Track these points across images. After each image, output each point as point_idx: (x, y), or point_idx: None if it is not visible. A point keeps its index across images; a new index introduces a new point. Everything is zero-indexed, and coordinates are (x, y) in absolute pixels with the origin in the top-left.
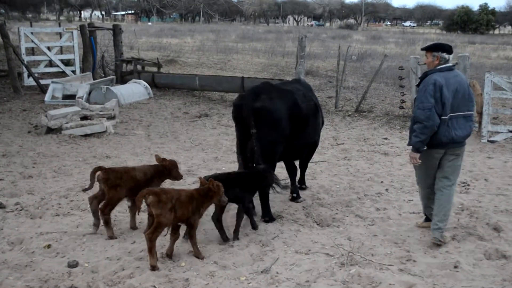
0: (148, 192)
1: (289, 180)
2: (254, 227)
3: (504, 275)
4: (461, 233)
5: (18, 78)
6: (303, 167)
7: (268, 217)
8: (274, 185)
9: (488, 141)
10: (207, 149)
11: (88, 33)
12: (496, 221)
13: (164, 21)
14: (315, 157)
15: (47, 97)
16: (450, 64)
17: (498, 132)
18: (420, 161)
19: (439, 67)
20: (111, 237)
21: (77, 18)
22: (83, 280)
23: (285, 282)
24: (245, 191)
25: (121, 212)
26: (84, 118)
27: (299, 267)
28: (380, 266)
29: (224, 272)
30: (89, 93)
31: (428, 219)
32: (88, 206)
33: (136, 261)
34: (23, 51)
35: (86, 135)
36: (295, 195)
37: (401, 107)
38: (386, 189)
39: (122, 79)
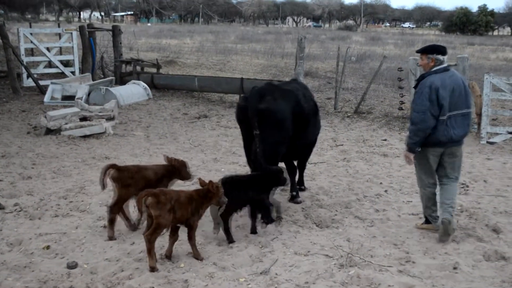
0: (147, 193)
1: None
2: (254, 231)
3: (503, 276)
4: (460, 235)
5: (17, 79)
6: (302, 168)
7: (268, 217)
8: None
9: (487, 142)
10: (206, 150)
11: (87, 34)
12: (495, 223)
13: (164, 22)
14: (314, 158)
15: (46, 98)
16: (445, 65)
17: (497, 134)
18: (414, 160)
19: (435, 68)
20: (111, 237)
21: (76, 19)
22: (82, 281)
23: (284, 284)
24: (260, 192)
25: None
26: (83, 119)
27: (298, 269)
28: (379, 268)
29: (223, 273)
30: (88, 94)
31: (427, 221)
32: (87, 207)
33: (135, 262)
34: (22, 52)
35: (85, 136)
36: (294, 193)
37: (400, 109)
38: (385, 191)
39: (121, 80)
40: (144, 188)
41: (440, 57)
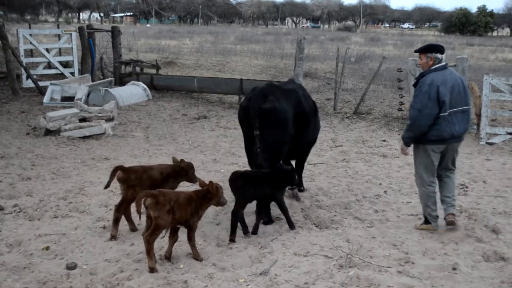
0: (146, 194)
1: None
2: (292, 226)
3: (503, 277)
4: (460, 235)
5: (16, 80)
6: (301, 168)
7: (268, 218)
8: None
9: (487, 143)
10: (206, 151)
11: (86, 35)
12: (495, 223)
13: (163, 23)
14: (314, 159)
15: (45, 99)
16: (443, 63)
17: (496, 134)
18: (415, 158)
19: (434, 67)
20: (114, 236)
21: (75, 20)
22: (81, 282)
23: (283, 284)
24: (275, 190)
25: None
26: (83, 120)
27: (298, 269)
28: (379, 268)
29: (222, 274)
30: (88, 95)
31: (427, 221)
32: (86, 208)
33: (135, 263)
34: (21, 52)
35: (84, 137)
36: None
37: (400, 109)
38: (385, 191)
39: (121, 81)
40: (150, 188)
41: (439, 55)
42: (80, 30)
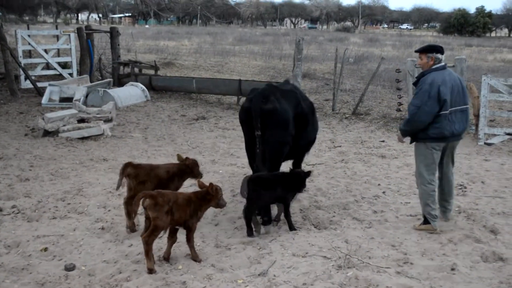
0: (145, 195)
1: None
2: (292, 228)
3: (501, 277)
4: (458, 236)
5: (15, 81)
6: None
7: (268, 217)
8: None
9: (485, 143)
10: (204, 152)
11: (85, 36)
12: (493, 224)
13: (162, 24)
14: (313, 159)
15: (44, 100)
16: (443, 63)
17: (495, 135)
18: (416, 156)
19: (434, 66)
20: (131, 228)
21: (74, 21)
22: (80, 283)
23: (282, 285)
24: (288, 191)
25: (118, 215)
26: (81, 121)
27: (296, 270)
28: (378, 269)
29: (221, 275)
30: (86, 96)
31: (426, 221)
32: (85, 209)
33: (133, 264)
34: (20, 53)
35: (83, 138)
36: None
37: (398, 110)
38: (383, 192)
39: (119, 81)
40: (157, 186)
41: (439, 55)
42: (79, 31)
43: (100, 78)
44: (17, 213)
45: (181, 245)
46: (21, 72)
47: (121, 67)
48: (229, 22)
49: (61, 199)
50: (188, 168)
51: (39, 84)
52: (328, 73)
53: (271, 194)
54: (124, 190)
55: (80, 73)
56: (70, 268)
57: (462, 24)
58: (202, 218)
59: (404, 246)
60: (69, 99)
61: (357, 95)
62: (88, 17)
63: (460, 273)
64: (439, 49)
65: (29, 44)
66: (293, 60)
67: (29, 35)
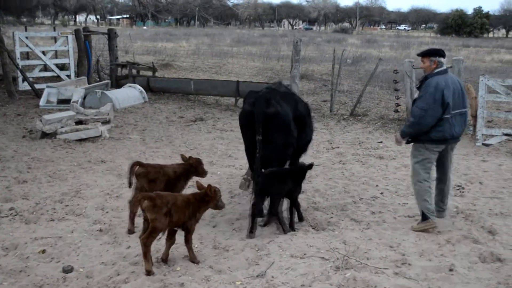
0: (143, 196)
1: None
2: (301, 219)
3: (499, 278)
4: (456, 236)
5: (12, 83)
6: None
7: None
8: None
9: (483, 144)
10: (202, 153)
11: (83, 38)
12: (491, 224)
13: (159, 25)
14: (311, 160)
15: (41, 102)
16: (445, 67)
17: (492, 135)
18: (414, 157)
19: (437, 70)
20: (131, 230)
21: (72, 23)
22: (78, 285)
23: (280, 286)
24: (296, 185)
25: (116, 217)
26: (79, 122)
27: (295, 271)
28: (376, 270)
29: (219, 276)
30: (84, 98)
31: (424, 217)
32: (83, 211)
33: (131, 266)
34: (17, 55)
35: (81, 140)
36: None
37: (396, 111)
38: (381, 193)
39: (117, 83)
40: (165, 186)
41: (442, 59)
42: (77, 32)
43: (98, 79)
44: (15, 215)
45: (179, 246)
46: (19, 74)
47: (119, 69)
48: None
49: (59, 201)
50: (193, 167)
51: (37, 86)
52: (326, 74)
53: (284, 188)
54: (122, 192)
55: (78, 74)
56: (68, 270)
57: (459, 25)
58: (200, 219)
59: (402, 247)
60: (67, 101)
61: (355, 96)
62: (86, 19)
63: (458, 274)
64: (442, 53)
65: (27, 46)
66: (291, 61)
67: (26, 37)
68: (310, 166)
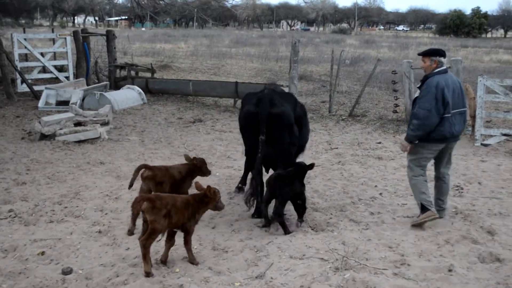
0: (143, 198)
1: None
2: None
3: (498, 278)
4: (455, 237)
5: (11, 85)
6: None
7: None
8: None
9: (482, 144)
10: (201, 154)
11: (81, 39)
12: (490, 225)
13: (158, 27)
14: (309, 161)
15: (40, 103)
16: (445, 67)
17: (491, 136)
18: (412, 154)
19: (437, 70)
20: (131, 231)
21: (70, 24)
22: (77, 287)
23: None
24: (302, 185)
25: (115, 218)
26: (78, 124)
27: (294, 272)
28: (375, 271)
29: (218, 277)
30: (83, 99)
31: (423, 208)
32: (82, 213)
33: (130, 268)
34: (16, 57)
35: (79, 141)
36: None
37: (395, 111)
38: (380, 193)
39: (116, 85)
40: (171, 187)
41: (442, 59)
42: (75, 34)
43: (97, 81)
44: (14, 217)
45: (178, 248)
46: (18, 75)
47: (118, 70)
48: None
49: (58, 203)
50: (197, 167)
51: (36, 88)
52: (324, 75)
53: (294, 189)
54: (121, 193)
55: (76, 76)
56: (67, 272)
57: (458, 25)
58: (199, 220)
59: (401, 247)
60: (65, 103)
61: (353, 96)
62: (84, 20)
63: (457, 274)
64: (442, 53)
65: (25, 47)
66: (290, 62)
67: (25, 39)
68: (311, 166)
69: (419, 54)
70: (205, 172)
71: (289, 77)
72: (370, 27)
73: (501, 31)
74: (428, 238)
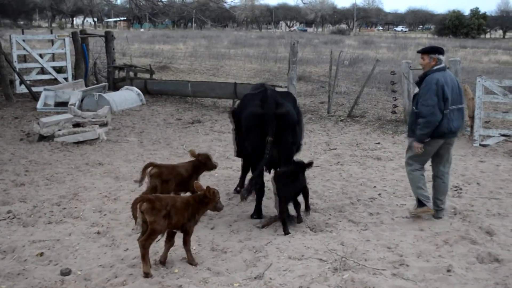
0: (142, 199)
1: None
2: (300, 220)
3: (497, 278)
4: (454, 237)
5: (10, 86)
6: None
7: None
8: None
9: (480, 145)
10: None
11: (80, 40)
12: (489, 225)
13: (157, 28)
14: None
15: (39, 105)
16: (443, 64)
17: (490, 136)
18: (423, 149)
19: (436, 67)
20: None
21: (69, 25)
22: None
23: None
24: (304, 182)
25: (113, 219)
26: (77, 125)
27: (292, 273)
28: (373, 271)
29: (217, 278)
30: (82, 100)
31: (420, 203)
32: (81, 214)
33: (129, 268)
34: (15, 58)
35: (78, 142)
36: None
37: (394, 112)
38: (379, 194)
39: (115, 86)
40: (178, 184)
41: (441, 57)
42: (74, 35)
43: (95, 82)
44: (13, 218)
45: (177, 248)
46: (16, 77)
47: (116, 71)
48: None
49: (57, 204)
50: (202, 163)
51: (34, 89)
52: (323, 76)
53: (297, 186)
54: (120, 194)
55: (75, 77)
56: (66, 273)
57: (456, 26)
58: (198, 221)
59: (400, 248)
60: (64, 104)
61: (352, 97)
62: (83, 21)
63: (456, 275)
64: (441, 51)
65: (24, 48)
66: (288, 63)
67: (23, 40)
68: (310, 164)
69: (418, 52)
70: (211, 167)
71: (287, 77)
72: (368, 28)
73: (499, 32)
74: (426, 239)
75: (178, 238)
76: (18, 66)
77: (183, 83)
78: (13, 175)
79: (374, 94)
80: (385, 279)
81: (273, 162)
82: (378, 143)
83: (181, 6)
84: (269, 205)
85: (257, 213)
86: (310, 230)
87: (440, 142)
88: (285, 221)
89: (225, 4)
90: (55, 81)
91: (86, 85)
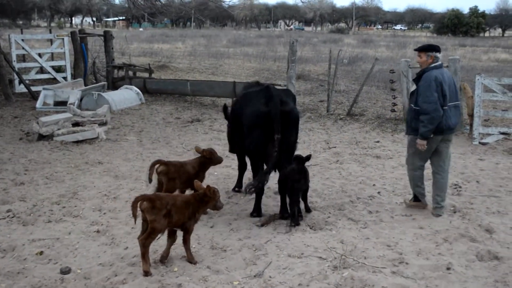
0: (143, 198)
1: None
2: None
3: (496, 276)
4: (453, 235)
5: (9, 85)
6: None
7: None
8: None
9: (480, 143)
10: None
11: (79, 40)
12: (488, 223)
13: (156, 27)
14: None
15: (38, 104)
16: (440, 62)
17: (489, 134)
18: (411, 147)
19: (434, 64)
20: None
21: (68, 25)
22: (75, 286)
23: (278, 286)
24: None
25: (113, 218)
26: (76, 124)
27: (292, 271)
28: (373, 269)
29: (217, 276)
30: (81, 100)
31: (416, 198)
32: (80, 212)
33: (129, 267)
34: (14, 58)
35: (77, 142)
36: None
37: (393, 110)
38: (378, 192)
39: (114, 85)
40: (185, 182)
41: (438, 54)
42: (73, 34)
43: (95, 81)
44: (12, 217)
45: (176, 247)
46: (15, 76)
47: (115, 71)
48: (223, 24)
49: (56, 203)
50: (207, 159)
51: (33, 88)
52: (322, 74)
53: (304, 183)
54: (119, 193)
55: (74, 76)
56: (65, 271)
57: (455, 25)
58: (198, 220)
59: (399, 246)
60: (63, 103)
61: (351, 96)
62: (82, 21)
63: (455, 273)
64: (438, 49)
65: (23, 48)
66: (287, 62)
67: (22, 40)
68: (309, 157)
69: (415, 50)
70: (216, 161)
71: (287, 76)
72: (368, 27)
73: (499, 30)
74: (426, 237)
75: (178, 236)
76: (17, 65)
77: (182, 82)
78: (13, 174)
79: (373, 93)
80: (385, 277)
81: (278, 159)
82: (378, 142)
83: (180, 6)
84: (269, 203)
85: (257, 211)
86: (310, 228)
87: (439, 138)
88: (295, 213)
89: (223, 3)
90: (54, 81)
91: (85, 85)
